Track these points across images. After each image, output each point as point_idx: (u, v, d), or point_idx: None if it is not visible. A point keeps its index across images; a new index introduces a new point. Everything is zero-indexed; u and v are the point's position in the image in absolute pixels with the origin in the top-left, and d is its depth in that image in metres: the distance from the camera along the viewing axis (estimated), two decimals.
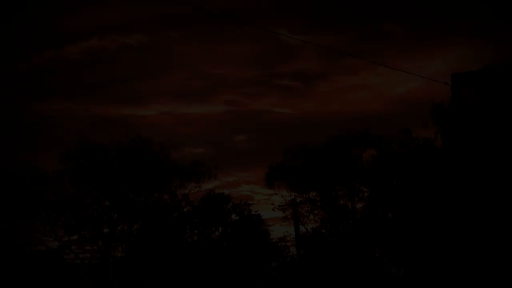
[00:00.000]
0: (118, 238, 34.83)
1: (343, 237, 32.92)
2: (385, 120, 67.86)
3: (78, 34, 69.38)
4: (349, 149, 33.45)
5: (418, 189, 15.81)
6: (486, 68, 15.38)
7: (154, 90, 71.65)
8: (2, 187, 33.52)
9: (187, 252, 32.20)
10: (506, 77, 14.25)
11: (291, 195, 34.13)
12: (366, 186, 32.75)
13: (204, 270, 31.78)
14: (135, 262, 33.91)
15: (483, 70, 15.35)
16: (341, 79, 70.89)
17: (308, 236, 33.81)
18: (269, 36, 70.94)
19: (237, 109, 70.40)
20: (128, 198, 34.90)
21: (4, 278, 31.94)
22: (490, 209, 12.72)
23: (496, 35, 66.29)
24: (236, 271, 33.25)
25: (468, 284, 13.42)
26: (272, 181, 34.30)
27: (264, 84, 71.23)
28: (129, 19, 69.86)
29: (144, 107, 68.52)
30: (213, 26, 69.49)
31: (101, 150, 34.66)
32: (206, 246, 33.13)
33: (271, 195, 34.98)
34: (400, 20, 68.44)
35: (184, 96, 73.50)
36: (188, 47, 72.52)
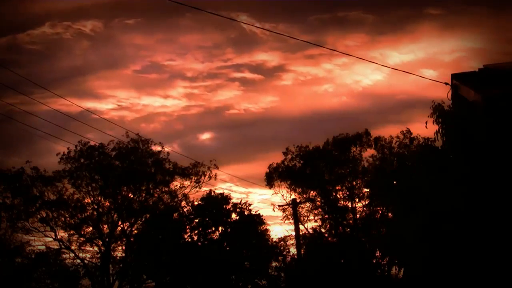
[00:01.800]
0: (118, 238, 34.86)
1: (343, 237, 32.94)
2: (352, 114, 66.08)
3: (28, 21, 62.24)
4: (349, 149, 33.48)
5: (418, 189, 15.83)
6: (486, 68, 15.36)
7: (111, 82, 67.73)
8: (2, 187, 33.59)
9: (187, 252, 32.19)
10: (506, 77, 14.24)
11: (291, 195, 34.23)
12: (366, 186, 32.78)
13: (204, 270, 31.77)
14: (135, 262, 33.93)
15: (483, 70, 15.33)
16: (304, 71, 67.82)
17: (308, 236, 33.84)
18: (228, 25, 67.71)
19: (198, 104, 67.36)
20: (128, 198, 34.94)
21: (4, 278, 31.94)
22: (490, 209, 12.70)
23: (466, 22, 63.85)
24: (236, 271, 33.25)
25: (468, 284, 13.41)
26: (272, 180, 34.32)
27: (223, 76, 67.79)
28: (83, 4, 64.02)
29: (101, 100, 63.65)
30: (169, 14, 64.63)
31: (101, 150, 34.70)
32: (206, 246, 33.12)
33: (272, 195, 34.98)
34: (366, 8, 64.29)
35: (142, 90, 70.66)
36: (144, 37, 67.96)
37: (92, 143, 34.38)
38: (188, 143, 62.26)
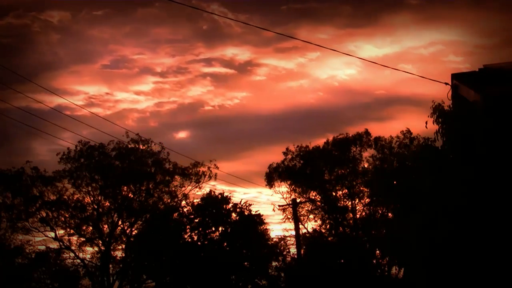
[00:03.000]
0: (118, 238, 34.87)
1: (343, 237, 32.94)
2: (330, 110, 65.39)
3: None
4: (349, 149, 33.49)
5: (418, 189, 15.83)
6: (486, 68, 15.36)
7: (80, 78, 65.54)
8: (2, 187, 33.59)
9: (187, 252, 32.18)
10: (506, 76, 14.25)
11: (291, 195, 34.24)
12: (366, 186, 32.78)
13: (204, 270, 31.76)
14: (135, 262, 33.93)
15: (483, 70, 15.33)
16: (277, 65, 66.22)
17: (308, 236, 33.84)
18: (199, 17, 64.88)
19: (170, 100, 65.76)
20: (128, 198, 34.95)
21: (4, 278, 31.94)
22: (491, 209, 12.70)
23: (445, 14, 62.34)
24: (236, 271, 33.24)
25: (468, 284, 13.41)
26: (272, 180, 34.33)
27: (195, 71, 65.50)
28: None
29: (72, 97, 60.51)
30: (138, 5, 62.33)
31: (101, 150, 34.71)
32: (206, 246, 33.12)
33: (272, 195, 34.98)
34: None
35: (112, 85, 67.68)
36: (112, 30, 65.67)
37: (92, 143, 34.43)
38: (165, 143, 61.59)
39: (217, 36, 64.64)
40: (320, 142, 58.16)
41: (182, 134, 63.50)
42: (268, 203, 36.10)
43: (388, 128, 71.88)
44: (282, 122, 65.86)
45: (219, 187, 36.10)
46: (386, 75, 71.27)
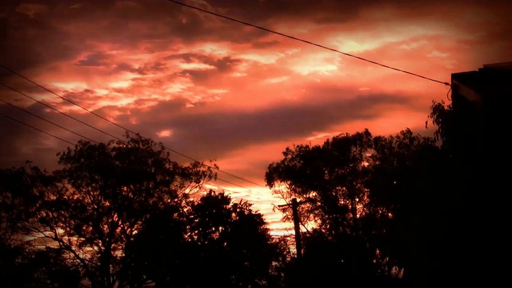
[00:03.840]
0: (118, 238, 34.87)
1: (343, 237, 32.93)
2: (313, 107, 63.71)
3: None
4: (349, 149, 33.49)
5: (418, 189, 15.83)
6: (486, 68, 15.36)
7: (59, 74, 63.28)
8: (2, 187, 33.59)
9: (187, 252, 32.18)
10: (506, 76, 14.26)
11: (291, 195, 34.24)
12: (366, 186, 32.78)
13: (204, 270, 31.76)
14: (135, 262, 33.93)
15: (483, 70, 15.33)
16: (259, 61, 64.21)
17: (308, 236, 33.84)
18: (177, 11, 61.19)
19: (150, 97, 63.90)
20: (128, 198, 34.95)
21: (4, 278, 31.95)
22: (491, 209, 12.69)
23: (426, 6, 60.12)
24: (236, 271, 33.24)
25: (468, 284, 13.40)
26: (272, 180, 34.33)
27: (174, 67, 63.72)
28: None
29: (50, 93, 62.59)
30: None
31: (101, 150, 34.71)
32: (206, 246, 33.11)
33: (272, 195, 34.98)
34: None
35: (91, 82, 66.01)
36: (89, 24, 63.55)
37: (92, 143, 34.43)
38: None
39: (196, 31, 62.95)
40: (308, 141, 57.43)
41: (165, 133, 61.77)
42: (262, 201, 36.03)
43: (375, 126, 70.34)
44: (267, 120, 64.39)
45: (208, 186, 35.85)
46: (369, 71, 69.15)
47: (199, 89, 66.49)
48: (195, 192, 36.05)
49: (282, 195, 34.35)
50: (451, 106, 14.74)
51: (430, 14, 59.15)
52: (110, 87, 63.22)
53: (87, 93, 60.72)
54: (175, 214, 34.16)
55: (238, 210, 34.13)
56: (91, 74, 64.45)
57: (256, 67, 64.62)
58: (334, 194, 33.49)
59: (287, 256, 34.68)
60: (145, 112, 63.58)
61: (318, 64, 65.11)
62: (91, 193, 34.58)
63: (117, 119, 60.23)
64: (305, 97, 65.99)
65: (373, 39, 64.04)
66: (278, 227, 35.58)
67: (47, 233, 34.00)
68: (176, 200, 35.77)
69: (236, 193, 48.41)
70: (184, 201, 35.50)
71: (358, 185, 33.23)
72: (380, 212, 32.74)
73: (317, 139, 62.19)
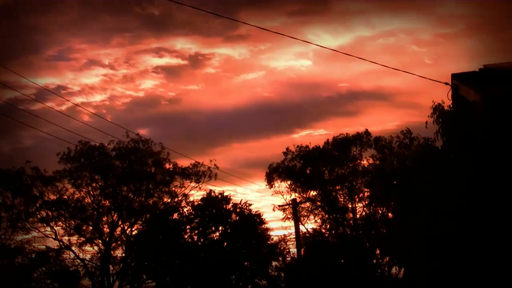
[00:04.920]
0: (118, 238, 34.87)
1: (343, 237, 32.94)
2: (292, 104, 62.50)
3: None
4: (349, 149, 33.50)
5: (418, 189, 15.83)
6: (486, 68, 15.37)
7: (28, 69, 60.66)
8: (2, 187, 33.59)
9: (187, 252, 32.17)
10: (506, 76, 14.26)
11: (291, 195, 34.26)
12: (366, 186, 32.78)
13: (204, 270, 31.76)
14: (135, 262, 33.93)
15: (483, 70, 15.34)
16: (232, 55, 62.64)
17: (308, 236, 33.84)
18: (149, 4, 59.77)
19: (124, 94, 61.99)
20: (128, 198, 34.94)
21: (4, 278, 31.95)
22: (491, 209, 12.69)
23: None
24: (236, 271, 33.23)
25: (468, 284, 13.40)
26: (272, 180, 34.34)
27: (145, 63, 62.65)
28: None
29: (21, 89, 56.25)
30: None
31: (101, 150, 34.70)
32: (206, 246, 33.10)
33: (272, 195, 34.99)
34: None
35: (62, 78, 64.44)
36: (58, 17, 60.88)
37: (92, 143, 34.43)
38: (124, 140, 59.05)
39: (167, 25, 61.19)
40: (290, 138, 56.57)
41: (142, 131, 60.87)
42: (255, 199, 35.95)
43: (357, 124, 68.89)
44: (246, 118, 62.70)
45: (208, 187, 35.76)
46: (346, 66, 67.72)
47: (173, 85, 64.98)
48: (195, 192, 36.10)
49: (282, 195, 34.41)
50: (451, 106, 14.74)
51: (405, 7, 57.49)
52: (82, 83, 61.94)
53: (59, 89, 58.82)
54: (175, 214, 34.16)
55: (238, 210, 34.12)
56: (62, 70, 63.00)
57: (230, 62, 63.14)
58: (334, 194, 33.49)
59: (287, 256, 34.69)
60: (120, 110, 61.92)
61: (291, 58, 63.83)
62: (91, 193, 34.59)
63: (92, 116, 57.90)
64: (283, 93, 64.49)
65: (348, 32, 62.42)
66: (277, 226, 35.53)
67: (47, 233, 34.05)
68: (176, 200, 35.78)
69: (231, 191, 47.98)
70: (184, 201, 35.52)
71: (358, 185, 33.24)
72: (380, 212, 32.76)
73: (301, 136, 60.31)
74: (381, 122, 70.08)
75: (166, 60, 61.07)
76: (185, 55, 61.39)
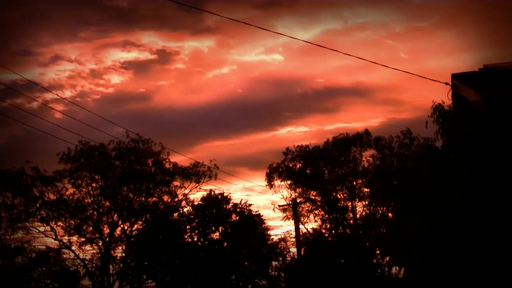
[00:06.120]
0: (118, 238, 34.87)
1: (343, 237, 32.94)
2: (267, 100, 60.12)
3: None
4: (349, 149, 33.50)
5: (418, 189, 15.84)
6: (486, 68, 15.37)
7: None
8: (2, 187, 33.59)
9: (187, 252, 32.16)
10: (506, 77, 14.27)
11: (291, 195, 34.25)
12: (366, 186, 32.78)
13: (204, 270, 31.75)
14: (135, 262, 33.92)
15: (483, 70, 15.34)
16: (201, 50, 61.30)
17: (308, 236, 33.84)
18: None
19: (93, 90, 60.15)
20: (128, 198, 34.94)
21: (4, 278, 31.94)
22: (491, 209, 12.70)
23: None
24: (236, 271, 33.22)
25: (468, 284, 13.41)
26: (272, 180, 34.34)
27: (113, 58, 60.31)
28: None
29: None
30: None
31: (101, 150, 34.70)
32: (206, 246, 33.09)
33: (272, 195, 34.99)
34: None
35: (28, 73, 60.58)
36: (21, 11, 59.11)
37: (92, 143, 34.43)
38: (99, 139, 56.75)
39: (134, 18, 59.19)
40: (272, 135, 55.49)
41: (114, 130, 57.03)
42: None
43: (337, 121, 66.72)
44: (222, 115, 60.95)
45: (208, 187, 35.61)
46: (319, 61, 65.99)
47: (142, 81, 63.23)
48: (195, 192, 36.11)
49: (282, 195, 34.41)
50: (451, 106, 14.75)
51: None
52: (50, 79, 59.23)
53: (28, 86, 56.88)
54: (175, 214, 34.15)
55: (238, 210, 34.11)
56: (29, 65, 60.22)
57: (199, 57, 61.52)
58: (334, 194, 33.49)
59: (287, 256, 34.68)
60: (91, 107, 59.14)
61: (262, 52, 62.20)
62: (91, 193, 34.59)
63: (63, 112, 57.19)
64: (256, 89, 62.73)
65: (317, 25, 60.97)
66: (276, 224, 35.51)
67: (47, 233, 34.04)
68: (176, 200, 35.77)
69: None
70: (184, 201, 35.53)
71: (358, 185, 33.24)
72: (380, 212, 32.76)
73: (282, 134, 59.17)
74: (364, 118, 69.20)
75: (134, 55, 59.38)
76: (153, 50, 59.65)
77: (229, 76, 63.51)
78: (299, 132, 59.90)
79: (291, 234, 34.62)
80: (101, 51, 59.99)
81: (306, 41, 22.33)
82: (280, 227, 35.43)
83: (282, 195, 34.31)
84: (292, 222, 34.06)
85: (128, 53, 59.30)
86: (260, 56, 62.38)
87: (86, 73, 60.42)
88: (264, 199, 38.25)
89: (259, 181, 50.10)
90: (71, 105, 55.31)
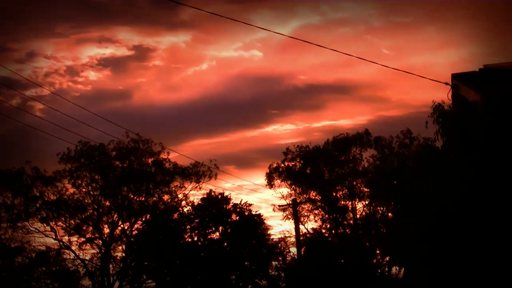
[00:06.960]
0: (118, 238, 34.86)
1: (343, 237, 32.94)
2: (247, 98, 59.34)
3: None
4: (349, 149, 33.49)
5: (418, 189, 15.84)
6: (486, 68, 15.38)
7: None
8: (2, 187, 33.59)
9: (187, 252, 32.17)
10: (506, 76, 14.28)
11: (292, 195, 34.23)
12: (366, 186, 32.77)
13: (204, 270, 31.76)
14: (135, 262, 33.93)
15: (483, 70, 15.35)
16: (178, 46, 60.00)
17: (308, 236, 33.83)
18: None
19: (71, 89, 58.28)
20: (128, 198, 34.93)
21: (4, 278, 31.94)
22: (491, 209, 12.70)
23: None
24: (236, 271, 33.24)
25: (468, 284, 13.41)
26: (272, 180, 34.33)
27: (88, 54, 59.50)
28: None
29: None
30: None
31: (101, 150, 34.69)
32: (206, 246, 33.10)
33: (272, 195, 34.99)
34: None
35: (2, 70, 60.35)
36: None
37: (92, 143, 34.42)
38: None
39: (109, 13, 57.99)
40: (259, 133, 54.56)
41: (97, 128, 58.78)
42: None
43: (324, 118, 65.40)
44: (203, 113, 59.92)
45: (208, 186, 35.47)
46: (299, 57, 64.16)
47: (120, 79, 61.99)
48: (195, 192, 36.09)
49: (282, 195, 34.38)
50: (451, 106, 14.74)
51: None
52: (27, 76, 56.97)
53: (5, 82, 57.34)
54: (175, 214, 34.15)
55: (238, 210, 34.13)
56: (4, 61, 59.67)
57: (177, 53, 60.43)
58: (334, 194, 33.48)
59: (287, 256, 34.69)
60: (69, 106, 60.32)
61: (240, 48, 61.04)
62: (91, 193, 34.58)
63: (42, 111, 55.06)
64: (237, 86, 61.57)
65: (294, 20, 59.44)
66: (275, 223, 35.49)
67: (47, 233, 34.03)
68: (176, 200, 35.77)
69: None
70: (184, 201, 35.53)
71: (358, 185, 33.23)
72: (380, 212, 32.74)
73: (267, 132, 58.50)
74: (350, 116, 68.37)
75: (111, 51, 58.15)
76: (129, 45, 58.62)
77: (209, 73, 62.53)
78: (286, 130, 59.28)
79: (286, 234, 34.62)
80: (77, 47, 58.86)
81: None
82: (274, 227, 35.36)
83: (282, 195, 34.32)
84: (292, 222, 34.04)
85: (105, 49, 58.02)
86: (238, 52, 61.14)
87: (63, 70, 59.24)
88: (256, 197, 38.20)
89: (249, 179, 49.70)
90: (51, 103, 53.55)
